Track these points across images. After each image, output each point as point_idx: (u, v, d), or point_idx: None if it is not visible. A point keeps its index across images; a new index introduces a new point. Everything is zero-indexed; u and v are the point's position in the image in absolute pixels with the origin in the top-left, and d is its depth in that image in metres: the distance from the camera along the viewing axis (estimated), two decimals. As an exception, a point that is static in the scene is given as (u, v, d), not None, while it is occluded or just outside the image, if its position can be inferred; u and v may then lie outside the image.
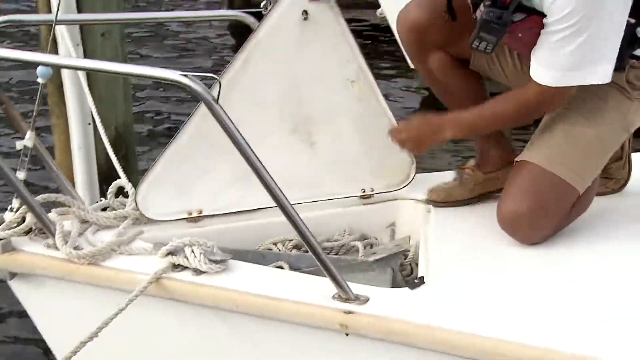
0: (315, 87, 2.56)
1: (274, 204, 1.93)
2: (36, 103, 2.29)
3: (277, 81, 2.52)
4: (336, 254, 2.48)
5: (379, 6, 4.76)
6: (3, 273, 2.27)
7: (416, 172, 2.73)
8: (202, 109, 2.42)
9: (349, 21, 2.55)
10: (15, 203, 2.30)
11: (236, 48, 8.15)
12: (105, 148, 3.14)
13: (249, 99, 2.44)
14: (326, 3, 2.51)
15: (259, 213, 2.52)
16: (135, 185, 2.50)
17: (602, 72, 2.11)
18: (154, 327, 2.20)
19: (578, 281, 2.10)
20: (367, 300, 1.96)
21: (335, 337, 1.95)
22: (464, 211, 2.52)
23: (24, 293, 2.33)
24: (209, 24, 8.71)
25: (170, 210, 2.48)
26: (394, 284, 2.29)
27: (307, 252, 2.43)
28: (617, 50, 2.10)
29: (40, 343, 2.53)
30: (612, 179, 2.58)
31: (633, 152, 2.63)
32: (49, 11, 3.12)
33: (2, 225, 2.27)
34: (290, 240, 2.50)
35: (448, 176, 2.66)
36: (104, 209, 2.47)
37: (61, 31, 3.01)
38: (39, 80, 2.24)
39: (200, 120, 2.45)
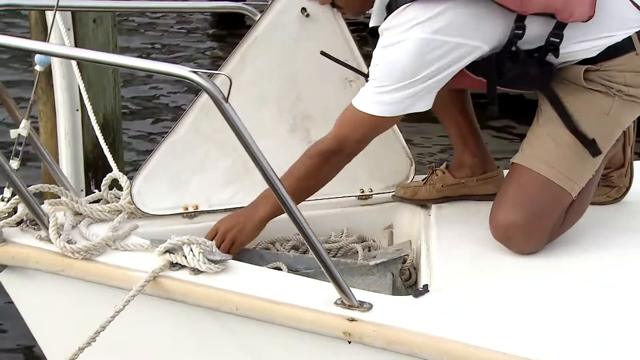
0: (313, 85, 2.53)
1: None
2: (32, 91, 2.22)
3: (275, 78, 2.48)
4: (334, 256, 2.45)
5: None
6: (-7, 265, 2.20)
7: (415, 174, 2.71)
8: (199, 103, 2.38)
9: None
10: (7, 193, 2.24)
11: (219, 37, 8.16)
12: (91, 135, 3.11)
13: (247, 95, 2.39)
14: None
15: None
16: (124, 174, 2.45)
17: (419, 106, 2.13)
18: (149, 327, 2.15)
19: (583, 291, 2.08)
20: (370, 307, 1.93)
21: (338, 344, 1.91)
22: (465, 214, 2.49)
23: (13, 286, 2.26)
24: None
25: (166, 205, 2.43)
26: (394, 289, 2.26)
27: (305, 253, 2.41)
28: (436, 90, 2.13)
29: (27, 339, 2.45)
30: (614, 187, 2.57)
31: (635, 159, 2.62)
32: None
33: (-7, 216, 2.20)
34: (288, 241, 2.46)
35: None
36: (97, 201, 2.41)
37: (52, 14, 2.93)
38: (37, 68, 2.18)
39: (198, 114, 2.41)
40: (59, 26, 2.99)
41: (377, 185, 2.68)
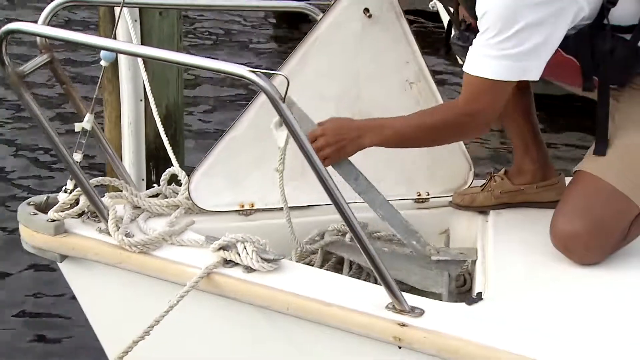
0: (373, 86, 2.52)
1: (328, 202, 1.88)
2: (97, 86, 2.27)
3: (335, 77, 2.48)
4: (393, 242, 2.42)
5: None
6: (54, 255, 2.25)
7: (474, 178, 2.67)
8: (259, 101, 2.40)
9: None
10: (70, 185, 2.29)
11: (278, 36, 8.19)
12: (154, 126, 3.15)
13: (307, 94, 2.38)
14: (387, 1, 2.46)
15: (311, 210, 2.48)
16: (182, 165, 2.48)
17: (528, 69, 2.04)
18: (200, 322, 2.17)
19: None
20: (422, 313, 1.91)
21: (388, 349, 1.90)
22: (524, 222, 2.44)
23: (73, 276, 2.32)
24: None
25: (222, 202, 2.45)
26: (449, 291, 2.23)
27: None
28: (546, 53, 2.03)
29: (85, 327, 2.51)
30: None
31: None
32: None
33: (55, 207, 2.25)
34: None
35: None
36: (156, 196, 2.45)
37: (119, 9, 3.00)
38: (102, 63, 2.22)
39: (257, 113, 2.42)
40: (126, 18, 3.06)
41: (435, 189, 2.65)
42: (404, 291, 1.96)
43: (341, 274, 2.32)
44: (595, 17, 2.08)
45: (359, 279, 2.26)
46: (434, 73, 2.54)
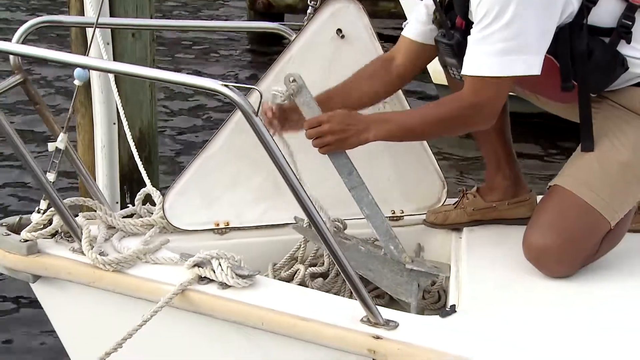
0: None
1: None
2: (71, 105, 2.27)
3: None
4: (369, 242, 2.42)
5: (402, 16, 4.73)
6: (26, 275, 2.23)
7: (447, 196, 2.70)
8: (234, 119, 2.41)
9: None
10: (43, 204, 2.27)
11: (254, 53, 8.24)
12: (127, 149, 3.14)
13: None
14: (360, 22, 2.49)
15: (286, 229, 2.48)
16: (156, 188, 2.48)
17: (529, 63, 2.04)
18: (175, 339, 2.16)
19: (612, 319, 2.04)
20: (396, 326, 1.92)
21: (362, 361, 1.90)
22: (496, 238, 2.47)
23: (45, 297, 2.30)
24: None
25: (198, 220, 2.45)
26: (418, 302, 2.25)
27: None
28: (544, 45, 2.05)
29: (56, 347, 2.48)
30: None
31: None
32: (80, 14, 3.13)
33: (28, 227, 2.24)
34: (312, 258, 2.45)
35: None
36: (130, 216, 2.45)
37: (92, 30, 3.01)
38: (76, 82, 2.23)
39: (232, 131, 2.44)
40: (98, 40, 3.06)
41: (409, 206, 2.67)
42: (378, 305, 1.97)
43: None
44: (575, 16, 2.09)
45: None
46: (406, 91, 2.57)
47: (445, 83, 2.52)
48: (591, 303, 2.12)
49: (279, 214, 2.48)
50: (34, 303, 2.37)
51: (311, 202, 1.87)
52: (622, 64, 2.16)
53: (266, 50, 7.85)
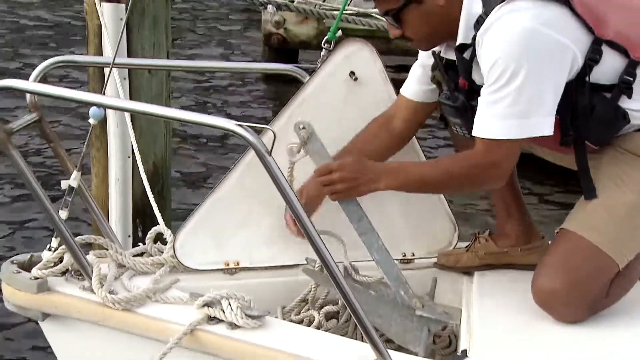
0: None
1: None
2: (85, 144, 2.29)
3: (321, 138, 2.50)
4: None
5: (416, 54, 4.77)
6: (36, 313, 2.23)
7: (458, 240, 2.68)
8: (246, 159, 2.42)
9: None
10: (55, 242, 2.28)
11: (269, 91, 8.30)
12: (141, 182, 3.16)
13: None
14: (374, 65, 2.51)
15: (297, 270, 2.47)
16: (168, 222, 2.47)
17: (541, 124, 2.05)
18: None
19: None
20: (408, 371, 1.89)
21: (373, 408, 1.87)
22: (508, 283, 2.45)
23: (54, 335, 2.29)
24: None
25: (208, 260, 2.45)
26: (425, 348, 2.22)
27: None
28: (555, 104, 2.07)
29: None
30: None
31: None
32: (98, 50, 3.17)
33: (39, 265, 2.24)
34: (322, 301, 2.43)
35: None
36: (141, 254, 2.45)
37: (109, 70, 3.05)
38: (91, 121, 2.25)
39: (244, 171, 2.44)
40: (115, 76, 3.10)
41: (420, 250, 2.66)
42: (388, 349, 1.95)
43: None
44: (578, 73, 2.12)
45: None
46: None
47: None
48: (603, 349, 2.09)
49: (290, 255, 2.47)
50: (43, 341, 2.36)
51: (324, 244, 1.86)
52: (623, 117, 2.17)
53: (282, 89, 7.89)
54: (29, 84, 2.07)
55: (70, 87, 7.52)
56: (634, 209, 2.19)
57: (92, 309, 2.16)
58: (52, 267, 2.25)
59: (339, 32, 2.57)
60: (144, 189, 2.97)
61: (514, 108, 2.04)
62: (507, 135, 2.06)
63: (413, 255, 2.65)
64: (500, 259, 2.58)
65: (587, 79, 2.11)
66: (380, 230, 2.53)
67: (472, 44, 2.14)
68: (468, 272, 2.57)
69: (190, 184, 5.87)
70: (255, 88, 8.46)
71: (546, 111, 2.06)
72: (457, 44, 2.18)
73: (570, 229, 2.22)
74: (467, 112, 2.18)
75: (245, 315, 2.04)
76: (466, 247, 2.62)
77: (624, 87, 2.14)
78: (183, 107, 7.40)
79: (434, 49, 2.30)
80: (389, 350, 1.92)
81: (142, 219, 3.49)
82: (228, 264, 2.46)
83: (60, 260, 2.27)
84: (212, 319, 2.08)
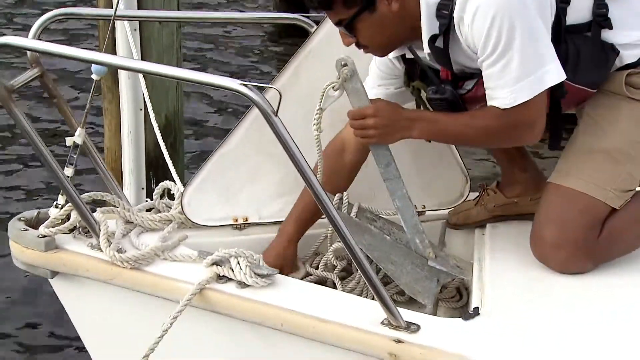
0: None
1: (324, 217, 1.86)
2: (88, 100, 2.24)
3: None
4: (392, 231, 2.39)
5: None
6: (45, 271, 2.22)
7: (470, 190, 2.64)
8: (252, 114, 2.38)
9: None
10: (61, 200, 2.26)
11: (279, 43, 8.19)
12: (154, 135, 3.15)
13: (300, 106, 2.37)
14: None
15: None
16: (181, 174, 2.44)
17: (555, 70, 2.01)
18: (192, 338, 2.13)
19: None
20: (418, 329, 1.88)
21: (383, 365, 1.87)
22: (520, 234, 2.40)
23: (64, 293, 2.29)
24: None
25: (216, 216, 2.42)
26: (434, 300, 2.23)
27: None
28: (553, 49, 2.02)
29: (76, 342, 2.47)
30: None
31: None
32: (109, 6, 3.11)
33: (46, 222, 2.23)
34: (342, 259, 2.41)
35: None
36: (148, 210, 2.42)
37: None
38: (94, 76, 2.20)
39: (250, 126, 2.40)
40: (125, 27, 3.04)
41: (431, 202, 2.63)
42: (399, 302, 1.94)
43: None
44: (554, 20, 2.06)
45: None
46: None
47: None
48: (618, 303, 2.06)
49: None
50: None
51: (330, 200, 1.83)
52: (612, 49, 2.14)
53: (292, 41, 7.79)
54: (28, 42, 2.02)
55: (78, 37, 7.48)
56: (615, 148, 2.17)
57: (100, 268, 2.15)
58: (59, 224, 2.24)
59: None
60: (157, 141, 2.95)
61: (526, 66, 1.99)
62: (531, 95, 2.02)
63: (424, 207, 2.62)
64: (510, 209, 2.54)
65: (563, 23, 2.07)
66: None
67: (443, 32, 2.07)
68: (480, 225, 2.54)
69: (204, 136, 5.83)
70: (267, 40, 8.35)
71: (551, 57, 2.02)
72: (428, 36, 2.10)
73: (550, 181, 2.22)
74: (458, 101, 2.15)
75: (255, 274, 2.03)
76: (475, 199, 2.58)
77: (600, 20, 2.11)
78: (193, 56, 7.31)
79: (397, 55, 2.25)
80: (399, 308, 1.90)
81: (155, 171, 3.49)
82: (237, 220, 2.44)
83: (68, 217, 2.25)
84: (221, 278, 2.06)
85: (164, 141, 3.04)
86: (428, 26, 2.09)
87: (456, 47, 2.09)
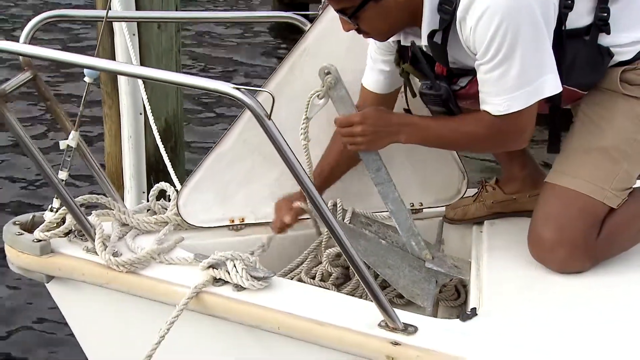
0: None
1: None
2: (81, 103, 2.23)
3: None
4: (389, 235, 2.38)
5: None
6: (40, 275, 2.21)
7: (467, 187, 2.63)
8: (247, 115, 2.36)
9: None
10: (56, 203, 2.25)
11: (277, 43, 8.17)
12: (154, 139, 3.15)
13: (296, 104, 2.35)
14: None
15: (303, 223, 2.43)
16: (181, 177, 2.44)
17: (551, 82, 2.01)
18: (188, 342, 2.12)
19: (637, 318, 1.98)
20: (415, 330, 1.87)
21: (381, 368, 1.86)
22: (519, 232, 2.39)
23: (60, 297, 2.28)
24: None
25: (212, 217, 2.41)
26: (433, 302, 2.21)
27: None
28: (553, 59, 2.01)
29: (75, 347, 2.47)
30: None
31: None
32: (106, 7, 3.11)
33: (41, 226, 2.22)
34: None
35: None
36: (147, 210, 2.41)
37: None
38: (86, 79, 2.19)
39: (245, 126, 2.39)
40: (124, 31, 3.03)
41: (428, 199, 2.61)
42: (397, 304, 1.93)
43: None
44: (556, 24, 2.05)
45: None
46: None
47: None
48: (618, 303, 2.05)
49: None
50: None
51: (323, 201, 1.82)
52: (608, 53, 2.12)
53: (289, 38, 7.78)
54: (21, 46, 2.00)
55: (76, 39, 7.44)
56: (612, 146, 2.15)
57: (96, 272, 2.14)
58: (54, 228, 2.23)
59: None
60: (157, 145, 2.96)
61: (524, 76, 1.98)
62: (525, 104, 2.01)
63: (421, 204, 2.61)
64: (509, 206, 2.53)
65: (563, 27, 2.05)
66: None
67: (443, 28, 2.05)
68: (478, 221, 2.53)
69: (204, 141, 5.82)
70: (265, 40, 8.33)
71: (551, 67, 2.01)
72: (428, 31, 2.08)
73: (547, 180, 2.21)
74: (451, 98, 2.13)
75: (251, 276, 2.01)
76: (473, 195, 2.57)
77: (601, 25, 2.10)
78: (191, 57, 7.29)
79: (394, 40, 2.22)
80: (396, 310, 1.89)
81: (155, 175, 3.50)
82: (233, 221, 2.43)
83: (63, 220, 2.24)
84: (217, 281, 2.05)
85: (164, 145, 3.06)
86: (429, 20, 2.07)
87: (454, 45, 2.07)
